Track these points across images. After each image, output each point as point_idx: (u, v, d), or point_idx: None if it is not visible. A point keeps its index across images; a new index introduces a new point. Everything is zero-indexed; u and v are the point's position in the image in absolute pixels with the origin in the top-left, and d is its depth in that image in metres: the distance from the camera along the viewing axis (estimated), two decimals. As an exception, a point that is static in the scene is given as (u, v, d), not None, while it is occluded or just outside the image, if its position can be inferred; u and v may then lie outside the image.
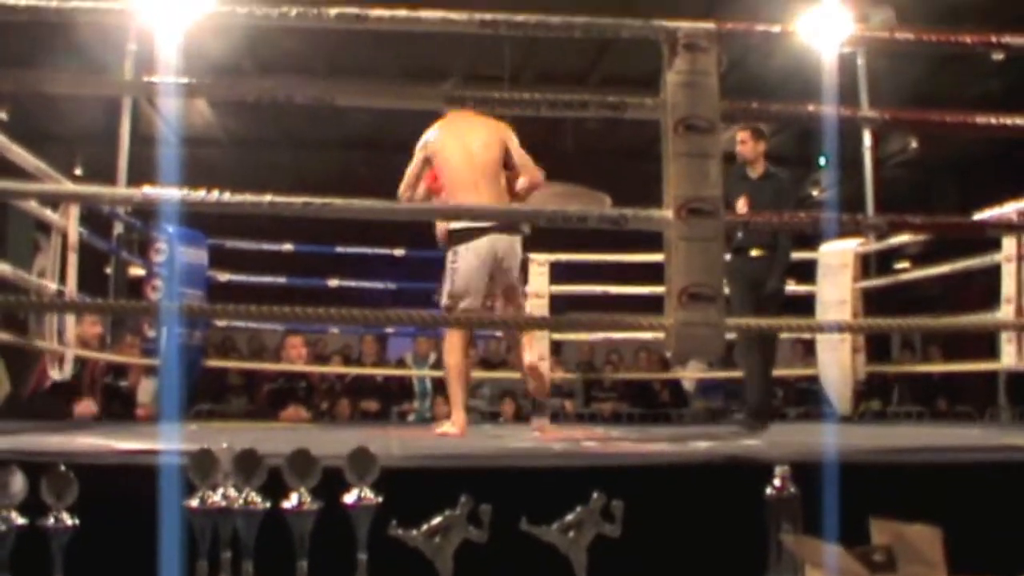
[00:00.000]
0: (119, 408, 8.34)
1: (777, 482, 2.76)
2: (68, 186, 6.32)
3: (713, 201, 3.62)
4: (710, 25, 3.76)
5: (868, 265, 8.93)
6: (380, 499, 2.62)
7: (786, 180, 7.47)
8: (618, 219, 3.78)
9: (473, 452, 4.15)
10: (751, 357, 7.04)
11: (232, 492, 2.61)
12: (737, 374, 10.92)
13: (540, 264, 9.19)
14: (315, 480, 2.63)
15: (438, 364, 11.53)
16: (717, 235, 3.64)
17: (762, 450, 4.13)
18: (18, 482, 2.60)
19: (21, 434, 4.96)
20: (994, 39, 4.24)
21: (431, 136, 5.85)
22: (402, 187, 5.80)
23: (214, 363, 10.07)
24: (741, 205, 6.89)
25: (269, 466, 2.63)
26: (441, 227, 5.99)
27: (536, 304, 9.03)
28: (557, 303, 9.43)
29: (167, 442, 4.21)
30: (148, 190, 4.15)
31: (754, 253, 7.06)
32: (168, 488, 2.71)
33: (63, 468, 2.63)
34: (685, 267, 3.59)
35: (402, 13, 3.77)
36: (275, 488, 2.62)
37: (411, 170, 5.85)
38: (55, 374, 6.85)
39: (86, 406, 7.68)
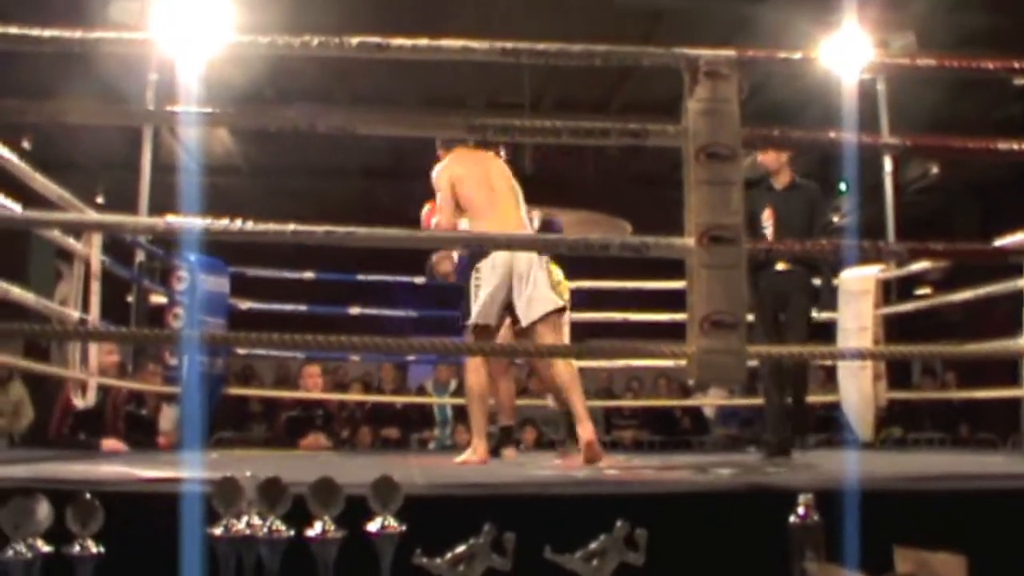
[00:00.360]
0: (141, 436, 8.35)
1: (801, 510, 2.76)
2: (91, 215, 6.36)
3: (735, 228, 3.62)
4: (731, 53, 3.77)
5: (889, 291, 8.90)
6: (404, 527, 2.62)
7: (816, 189, 7.20)
8: (640, 247, 3.78)
9: (496, 480, 4.15)
10: (770, 385, 6.88)
11: (256, 520, 2.62)
12: (758, 401, 10.95)
13: (562, 291, 9.18)
14: (339, 508, 2.63)
15: (458, 392, 11.55)
16: (739, 262, 3.64)
17: (785, 478, 4.11)
18: (44, 510, 2.61)
19: (46, 462, 4.98)
20: (1016, 64, 4.24)
21: (450, 166, 5.89)
22: (443, 220, 5.79)
23: (235, 391, 10.09)
24: (766, 218, 6.78)
25: (293, 494, 2.64)
26: (444, 262, 6.16)
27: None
28: (577, 330, 9.42)
29: (190, 470, 4.22)
30: (170, 219, 4.18)
31: (779, 267, 6.79)
32: (192, 516, 2.72)
33: (88, 496, 2.64)
34: (707, 294, 3.59)
35: (423, 42, 3.79)
36: (299, 516, 2.62)
37: (446, 202, 5.82)
38: (79, 402, 6.87)
39: (114, 444, 7.70)
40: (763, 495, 3.28)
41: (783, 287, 6.79)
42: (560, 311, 5.85)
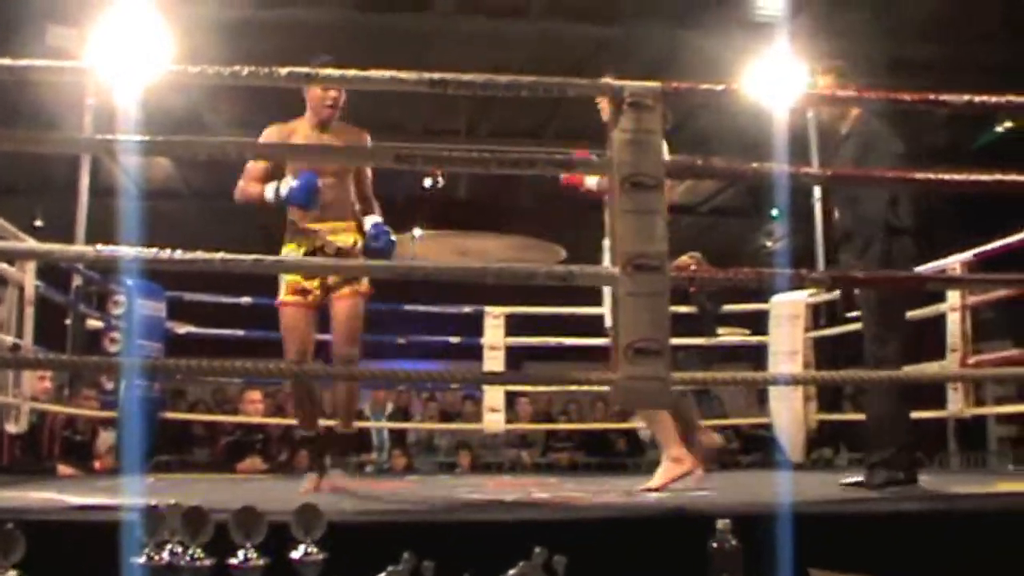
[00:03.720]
0: (76, 461, 8.31)
1: (719, 535, 2.82)
2: (23, 243, 6.35)
3: (659, 256, 3.69)
4: (655, 84, 3.85)
5: (819, 314, 9.03)
6: (325, 555, 2.66)
7: (874, 134, 5.48)
8: (565, 276, 3.85)
9: (418, 507, 4.19)
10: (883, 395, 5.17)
11: (179, 549, 2.65)
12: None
13: (495, 317, 9.25)
14: (261, 536, 2.66)
15: (395, 415, 11.59)
16: (663, 290, 3.70)
17: (708, 502, 4.18)
18: (-35, 540, 2.62)
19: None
20: (933, 97, 4.34)
21: None
22: None
23: (173, 415, 10.04)
24: None
25: (216, 522, 2.67)
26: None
27: (492, 356, 9.10)
28: (513, 355, 9.48)
29: (121, 497, 4.23)
30: (102, 248, 4.18)
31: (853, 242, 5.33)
32: (118, 545, 2.74)
33: (10, 526, 2.65)
34: (632, 322, 3.66)
35: (351, 72, 3.85)
36: (223, 544, 2.65)
37: None
38: (11, 427, 6.83)
39: (69, 470, 7.74)
40: (683, 520, 3.33)
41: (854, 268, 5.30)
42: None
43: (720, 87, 4.39)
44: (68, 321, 8.56)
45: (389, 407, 11.45)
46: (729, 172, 4.74)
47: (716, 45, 10.42)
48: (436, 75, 3.77)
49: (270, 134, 5.22)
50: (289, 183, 4.88)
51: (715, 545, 2.82)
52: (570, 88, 4.07)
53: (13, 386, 6.72)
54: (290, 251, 5.21)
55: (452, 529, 3.17)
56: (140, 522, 2.67)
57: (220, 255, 3.71)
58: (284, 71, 3.77)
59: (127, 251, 3.92)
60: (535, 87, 3.96)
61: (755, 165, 4.40)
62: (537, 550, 2.69)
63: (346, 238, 5.25)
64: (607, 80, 3.95)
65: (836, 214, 5.56)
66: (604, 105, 5.43)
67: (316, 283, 5.21)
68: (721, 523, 2.84)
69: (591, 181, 5.51)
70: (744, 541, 2.83)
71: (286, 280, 5.20)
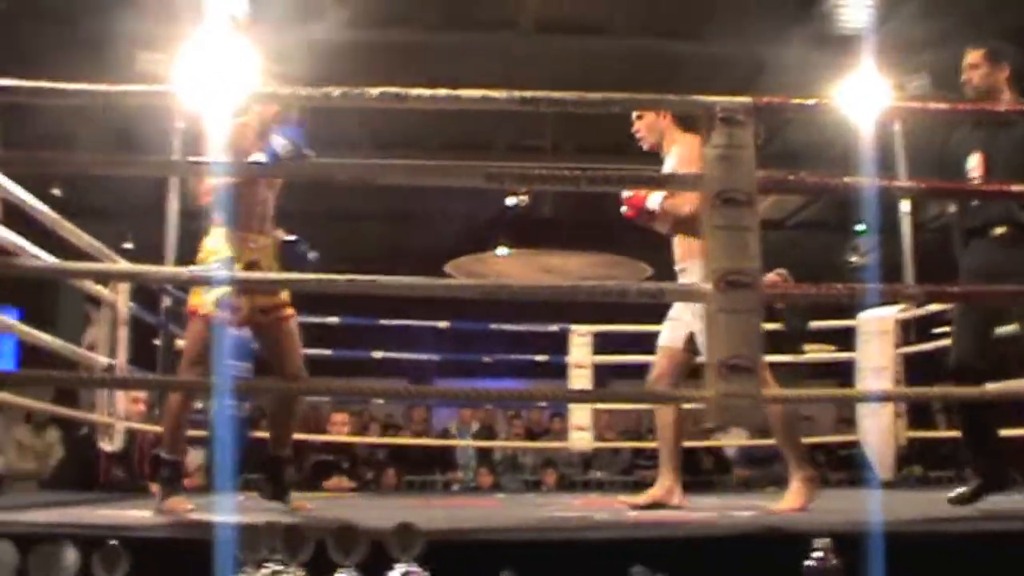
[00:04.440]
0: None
1: (818, 554, 2.78)
2: (119, 265, 6.45)
3: (752, 273, 3.67)
4: (746, 100, 3.83)
5: (909, 330, 8.90)
6: (427, 573, 2.66)
7: None
8: (656, 293, 3.83)
9: (517, 524, 4.18)
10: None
11: (278, 567, 2.66)
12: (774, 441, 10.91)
13: (581, 335, 9.24)
14: (360, 555, 2.67)
15: (481, 433, 11.60)
16: (756, 307, 3.68)
17: (805, 520, 4.13)
18: (70, 557, 2.66)
19: (72, 506, 5.05)
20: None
21: None
22: None
23: (262, 434, 10.12)
24: (974, 167, 4.92)
25: (315, 540, 2.68)
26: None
27: (578, 374, 9.09)
28: (599, 373, 9.46)
29: (216, 515, 4.27)
30: (195, 270, 4.25)
31: (997, 231, 4.83)
32: (217, 563, 2.76)
33: (114, 543, 2.69)
34: (725, 339, 3.63)
35: (442, 92, 3.85)
36: (321, 563, 2.66)
37: None
38: (105, 445, 6.95)
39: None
40: (779, 539, 3.29)
41: (1000, 261, 4.78)
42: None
43: (811, 101, 4.36)
44: (158, 341, 8.68)
45: (475, 425, 11.48)
46: (820, 187, 4.68)
47: (801, 59, 10.33)
48: (527, 93, 3.78)
49: None
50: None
51: (813, 564, 2.78)
52: (663, 104, 4.05)
53: (108, 405, 6.83)
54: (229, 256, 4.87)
55: (549, 548, 3.15)
56: (239, 540, 2.69)
57: (314, 276, 3.74)
58: (376, 91, 3.79)
59: (222, 274, 3.96)
60: (627, 104, 3.95)
61: (846, 179, 4.36)
62: (637, 569, 2.68)
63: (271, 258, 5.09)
64: (699, 97, 3.92)
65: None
66: (643, 126, 5.57)
67: (246, 302, 4.96)
68: (820, 542, 2.80)
69: (654, 201, 5.31)
70: (844, 560, 2.79)
71: (215, 293, 4.79)
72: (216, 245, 4.86)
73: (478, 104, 3.85)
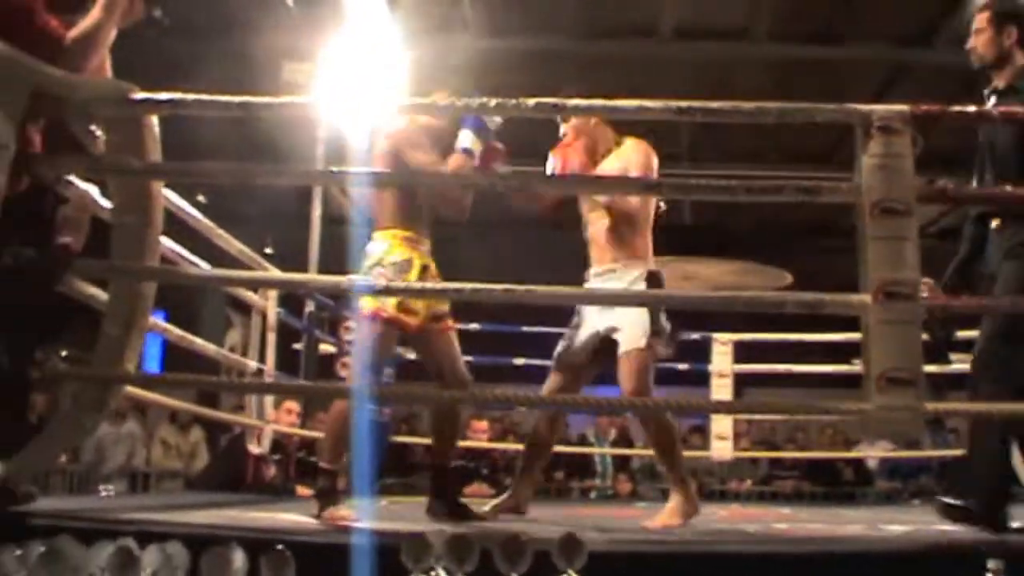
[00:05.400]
0: (311, 482, 8.55)
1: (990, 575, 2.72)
2: (274, 273, 6.59)
3: (911, 284, 3.61)
4: (904, 108, 3.77)
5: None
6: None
7: None
8: (815, 304, 3.79)
9: (666, 537, 4.17)
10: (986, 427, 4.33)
11: (444, 576, 2.69)
12: (922, 453, 10.72)
13: (723, 344, 9.18)
14: (526, 565, 2.69)
15: (618, 441, 11.59)
16: (915, 318, 3.62)
17: (970, 537, 4.03)
18: (239, 559, 2.73)
19: (227, 508, 5.16)
20: None
21: None
22: None
23: (401, 439, 10.27)
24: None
25: (481, 549, 2.70)
26: None
27: (720, 384, 9.03)
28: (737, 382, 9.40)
29: (368, 520, 4.33)
30: (353, 279, 4.32)
31: (994, 224, 4.50)
32: (382, 572, 2.80)
33: (280, 547, 2.74)
34: (884, 351, 3.58)
35: (599, 102, 3.87)
36: (487, 573, 2.68)
37: None
38: (254, 448, 7.10)
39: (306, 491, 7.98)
40: (944, 557, 3.23)
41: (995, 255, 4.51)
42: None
43: (971, 108, 4.26)
44: (299, 345, 8.84)
45: (612, 433, 11.48)
46: (981, 196, 4.57)
47: (942, 62, 10.14)
48: (683, 103, 3.77)
49: None
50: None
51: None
52: (816, 113, 4.01)
53: (257, 408, 6.98)
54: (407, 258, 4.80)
55: (709, 561, 3.13)
56: (406, 549, 2.72)
57: (470, 286, 3.77)
58: (532, 102, 3.81)
59: (378, 284, 4.02)
60: (782, 113, 3.92)
61: (1008, 188, 4.27)
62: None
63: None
64: (855, 106, 3.87)
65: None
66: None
67: (424, 307, 4.85)
68: (993, 563, 2.74)
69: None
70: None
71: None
72: (387, 249, 4.81)
73: (633, 114, 3.85)
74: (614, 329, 5.02)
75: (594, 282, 5.16)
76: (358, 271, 4.76)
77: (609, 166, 5.16)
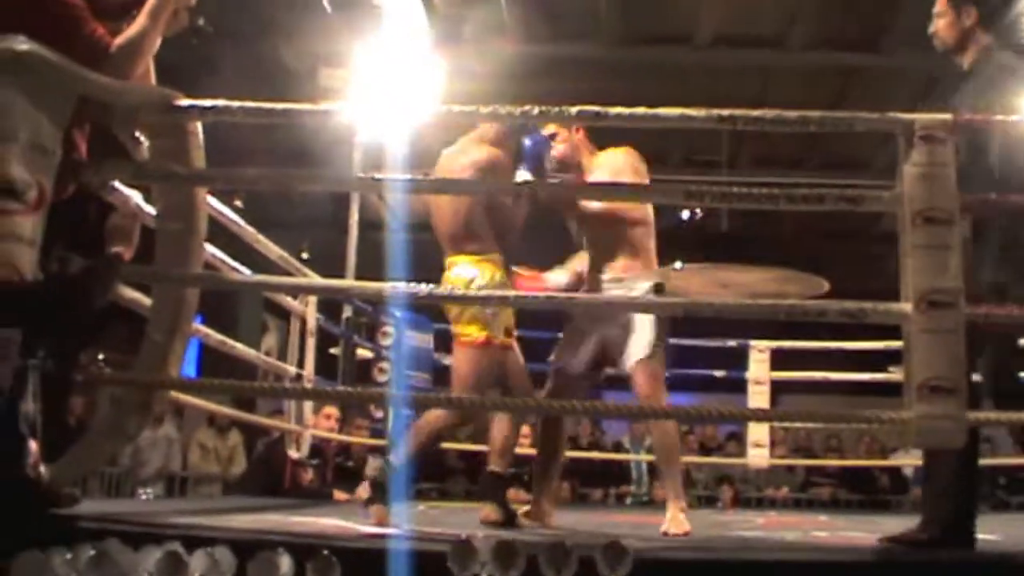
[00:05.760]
0: (348, 487, 8.59)
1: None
2: (315, 280, 6.60)
3: (954, 292, 3.60)
4: (946, 117, 3.76)
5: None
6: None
7: (1004, 62, 4.51)
8: (857, 313, 3.78)
9: (706, 545, 4.17)
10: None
11: (491, 582, 2.70)
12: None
13: (760, 351, 9.15)
14: (572, 571, 2.70)
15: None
16: (958, 327, 3.60)
17: (1007, 547, 4.01)
18: (285, 564, 2.75)
19: (268, 512, 5.19)
20: None
21: None
22: None
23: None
24: None
25: (527, 556, 2.71)
26: None
27: (757, 391, 9.01)
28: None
29: (409, 525, 4.35)
30: (394, 286, 4.33)
31: None
32: (426, 574, 2.82)
33: (326, 552, 2.76)
34: (926, 360, 3.56)
35: (640, 111, 3.87)
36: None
37: None
38: (293, 453, 7.14)
39: (343, 495, 8.03)
40: (985, 568, 3.22)
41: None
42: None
43: (1014, 118, 4.24)
44: (336, 350, 8.88)
45: (647, 439, 11.43)
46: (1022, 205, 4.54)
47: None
48: (726, 112, 3.77)
49: None
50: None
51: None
52: (858, 122, 4.00)
53: (296, 412, 7.01)
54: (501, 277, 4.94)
55: (752, 569, 3.13)
56: (452, 555, 2.73)
57: (512, 293, 3.78)
58: (575, 110, 3.82)
59: (420, 288, 4.03)
60: (823, 122, 3.91)
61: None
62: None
63: None
64: (898, 115, 3.86)
65: None
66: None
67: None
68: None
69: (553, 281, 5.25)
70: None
71: (502, 319, 4.94)
72: (489, 277, 4.88)
73: (677, 123, 3.86)
74: (621, 338, 5.08)
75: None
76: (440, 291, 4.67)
77: (597, 177, 5.19)
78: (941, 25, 4.50)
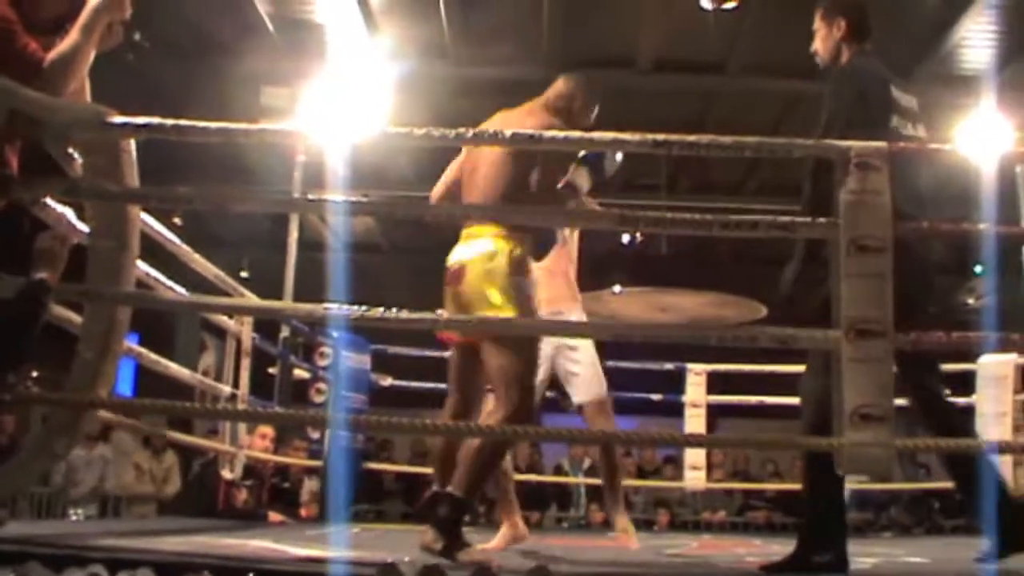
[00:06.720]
0: (284, 508, 8.54)
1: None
2: (251, 300, 6.57)
3: (883, 322, 3.62)
4: (882, 144, 3.79)
5: (1029, 375, 8.68)
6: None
7: (847, 74, 4.38)
8: (787, 339, 3.80)
9: (642, 571, 4.17)
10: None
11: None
12: (890, 486, 10.71)
13: (697, 374, 9.18)
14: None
15: (592, 470, 11.58)
16: (887, 356, 3.63)
17: (928, 568, 4.05)
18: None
19: (201, 534, 5.13)
20: None
21: None
22: None
23: (374, 466, 10.23)
24: None
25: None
26: None
27: (694, 414, 9.04)
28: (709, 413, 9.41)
29: (342, 549, 4.32)
30: (328, 308, 4.29)
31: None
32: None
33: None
34: (855, 388, 3.59)
35: (576, 134, 3.88)
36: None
37: None
38: (226, 474, 7.07)
39: (277, 516, 7.95)
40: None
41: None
42: None
43: (943, 145, 4.30)
44: (273, 370, 8.82)
45: (586, 462, 11.46)
46: (958, 232, 4.59)
47: (921, 99, 10.22)
48: (660, 136, 3.77)
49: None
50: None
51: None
52: (795, 148, 4.03)
53: (231, 433, 6.96)
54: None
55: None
56: (378, 577, 2.71)
57: (444, 314, 3.76)
58: (509, 133, 3.83)
59: (352, 311, 4.00)
60: (759, 147, 3.94)
61: (983, 224, 4.29)
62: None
63: None
64: (834, 142, 3.88)
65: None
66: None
67: None
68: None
69: None
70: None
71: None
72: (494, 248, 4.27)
73: (610, 147, 3.86)
74: (571, 371, 5.10)
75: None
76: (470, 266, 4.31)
77: None
78: (818, 41, 4.48)
